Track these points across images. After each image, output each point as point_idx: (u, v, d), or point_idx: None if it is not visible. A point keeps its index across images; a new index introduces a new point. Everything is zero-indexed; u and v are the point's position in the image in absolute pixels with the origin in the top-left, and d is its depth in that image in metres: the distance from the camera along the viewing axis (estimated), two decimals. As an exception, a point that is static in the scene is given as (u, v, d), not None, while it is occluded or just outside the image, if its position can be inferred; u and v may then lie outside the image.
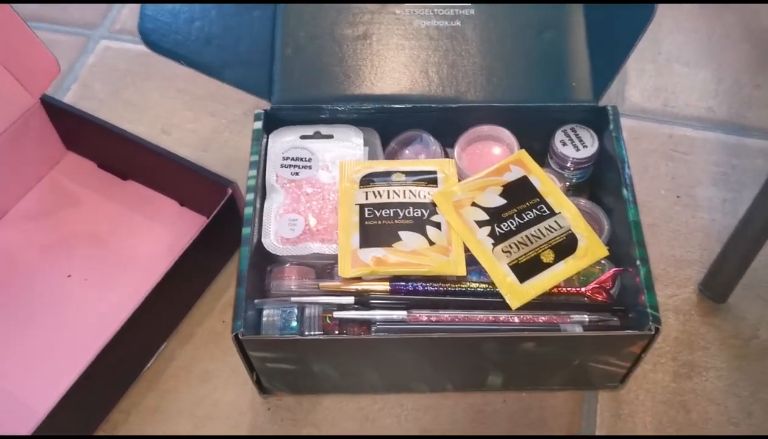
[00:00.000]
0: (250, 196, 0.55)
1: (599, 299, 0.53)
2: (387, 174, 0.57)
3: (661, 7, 0.56)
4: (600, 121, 0.60)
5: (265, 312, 0.52)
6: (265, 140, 0.59)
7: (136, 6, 0.83)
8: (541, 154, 0.62)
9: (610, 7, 0.60)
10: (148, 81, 0.77)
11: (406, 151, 0.62)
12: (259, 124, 0.59)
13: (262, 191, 0.57)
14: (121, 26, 0.82)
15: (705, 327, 0.62)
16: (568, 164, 0.60)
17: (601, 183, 0.61)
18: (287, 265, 0.55)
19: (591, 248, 0.54)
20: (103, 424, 0.56)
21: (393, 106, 0.60)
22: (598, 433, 0.57)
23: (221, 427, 0.56)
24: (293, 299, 0.52)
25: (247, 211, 0.54)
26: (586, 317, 0.52)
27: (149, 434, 0.56)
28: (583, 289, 0.53)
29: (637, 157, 0.71)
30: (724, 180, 0.70)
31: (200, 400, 0.58)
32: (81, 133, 0.68)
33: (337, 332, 0.52)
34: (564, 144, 0.60)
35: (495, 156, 0.61)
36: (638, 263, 0.52)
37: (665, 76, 0.78)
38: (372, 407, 0.57)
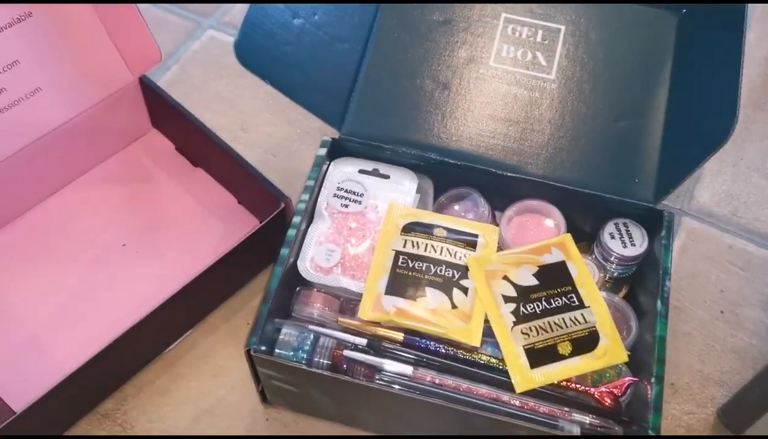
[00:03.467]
0: (296, 219, 0.57)
1: (606, 403, 0.53)
2: (429, 227, 0.58)
3: (753, 111, 0.54)
4: (654, 222, 0.59)
5: (282, 330, 0.54)
6: (326, 166, 0.61)
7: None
8: (589, 236, 0.62)
9: (694, 111, 0.59)
10: (241, 78, 0.81)
11: (455, 207, 0.63)
12: (323, 151, 0.61)
13: (310, 215, 0.59)
14: (230, 19, 0.87)
15: (715, 454, 0.60)
16: (612, 259, 0.59)
17: (643, 282, 0.60)
18: (314, 290, 0.57)
19: (611, 351, 0.53)
20: (115, 393, 0.60)
21: (453, 161, 0.61)
22: None
23: (218, 424, 0.59)
24: (310, 326, 0.54)
25: (290, 233, 0.56)
26: (587, 419, 0.51)
27: (152, 413, 0.60)
28: (592, 389, 0.53)
29: (690, 260, 0.70)
30: (775, 307, 0.68)
31: (207, 393, 0.61)
32: (166, 115, 0.72)
33: (344, 366, 0.54)
34: (612, 237, 0.60)
35: (540, 233, 0.61)
36: (653, 380, 0.51)
37: (740, 184, 0.75)
38: (363, 442, 0.59)
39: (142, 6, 0.64)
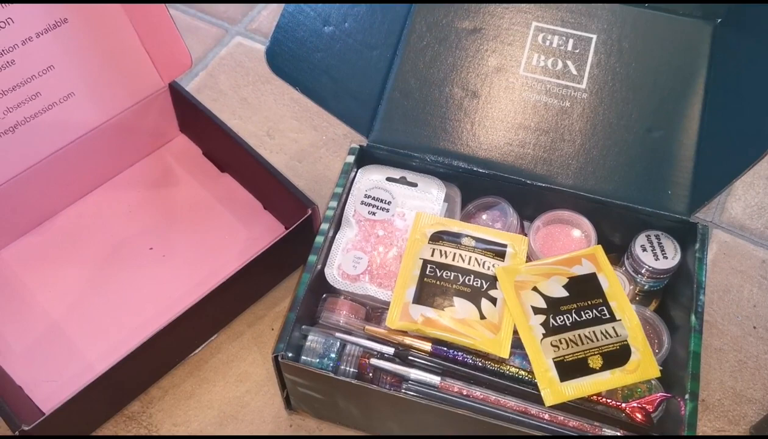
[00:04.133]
0: (324, 226, 0.57)
1: (637, 419, 0.52)
2: (458, 236, 0.57)
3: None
4: (687, 235, 0.58)
5: (309, 337, 0.54)
6: (353, 173, 0.61)
7: (276, 9, 0.89)
8: (619, 248, 0.61)
9: (730, 123, 0.58)
10: (267, 84, 0.81)
11: (484, 216, 0.62)
12: (351, 158, 0.61)
13: (337, 222, 0.59)
14: (257, 26, 0.87)
15: (748, 473, 0.59)
16: (643, 271, 0.58)
17: (674, 296, 0.60)
18: (341, 298, 0.57)
19: (643, 365, 0.52)
20: (142, 395, 0.60)
21: (481, 170, 0.61)
22: None
23: (242, 429, 0.59)
24: (337, 334, 0.54)
25: (318, 239, 0.56)
26: (619, 434, 0.50)
27: (177, 416, 0.60)
28: (623, 404, 0.52)
29: (722, 274, 0.68)
30: (810, 325, 0.66)
31: (231, 398, 0.61)
32: (194, 120, 0.72)
33: (370, 375, 0.53)
34: (644, 250, 0.59)
35: (570, 244, 0.60)
36: (687, 396, 0.50)
37: (775, 198, 0.74)
38: (389, 452, 0.59)
39: (171, 12, 0.65)
